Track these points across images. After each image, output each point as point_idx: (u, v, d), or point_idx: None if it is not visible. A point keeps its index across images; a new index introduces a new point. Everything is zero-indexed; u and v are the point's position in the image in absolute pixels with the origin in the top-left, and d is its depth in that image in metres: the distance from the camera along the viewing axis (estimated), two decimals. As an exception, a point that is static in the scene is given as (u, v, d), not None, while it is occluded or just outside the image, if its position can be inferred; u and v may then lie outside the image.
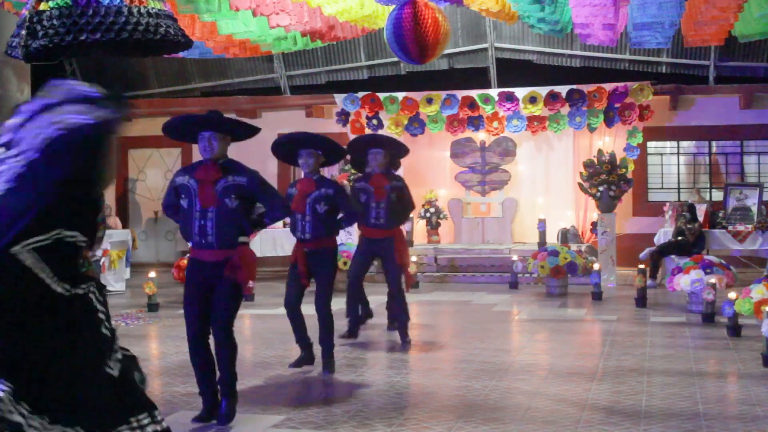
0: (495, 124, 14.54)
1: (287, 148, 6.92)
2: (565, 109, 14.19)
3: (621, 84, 14.02)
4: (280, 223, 13.67)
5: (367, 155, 8.10)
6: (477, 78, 15.24)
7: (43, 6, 5.44)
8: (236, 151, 17.50)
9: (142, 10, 5.54)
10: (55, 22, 5.39)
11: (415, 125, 14.76)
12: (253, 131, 5.60)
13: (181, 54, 8.85)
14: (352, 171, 14.43)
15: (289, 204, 6.73)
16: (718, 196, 14.26)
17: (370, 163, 8.08)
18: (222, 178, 5.24)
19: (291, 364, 6.98)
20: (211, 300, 5.27)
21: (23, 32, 5.49)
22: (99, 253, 10.85)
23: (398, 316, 8.17)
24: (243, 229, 5.30)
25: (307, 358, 6.94)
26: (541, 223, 13.56)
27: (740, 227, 12.81)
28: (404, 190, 8.17)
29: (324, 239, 6.77)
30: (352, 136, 15.04)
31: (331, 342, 6.82)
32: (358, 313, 8.47)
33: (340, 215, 6.90)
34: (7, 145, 2.59)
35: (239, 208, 5.25)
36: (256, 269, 5.44)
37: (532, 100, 14.20)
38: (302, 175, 6.99)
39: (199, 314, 5.30)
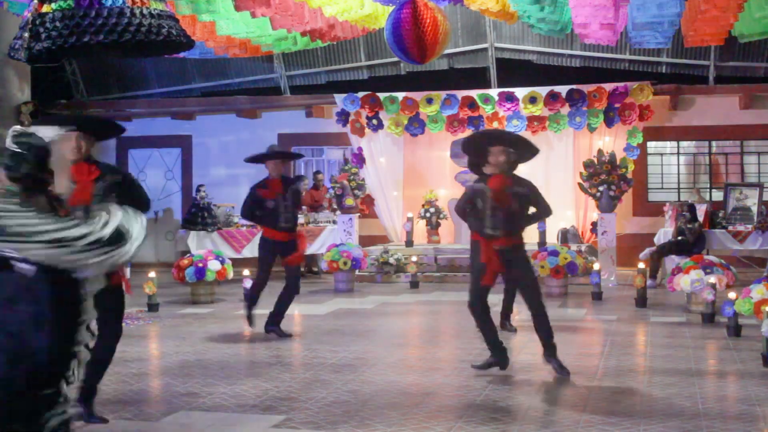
0: (495, 124, 14.53)
1: (478, 144, 6.76)
2: (565, 109, 14.19)
3: (621, 84, 14.02)
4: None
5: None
6: (477, 78, 15.24)
7: (45, 8, 5.44)
8: (237, 152, 17.41)
9: (144, 12, 5.54)
10: (58, 24, 5.39)
11: (415, 125, 14.76)
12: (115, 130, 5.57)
13: (181, 54, 8.86)
14: (353, 171, 14.46)
15: None
16: (718, 196, 14.26)
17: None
18: (100, 176, 5.23)
19: (476, 365, 6.77)
20: None
21: (26, 34, 5.49)
22: None
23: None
24: None
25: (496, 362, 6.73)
26: (541, 223, 13.54)
27: (740, 227, 12.80)
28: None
29: (515, 237, 6.67)
30: (352, 137, 15.09)
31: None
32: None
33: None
34: None
35: None
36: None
37: (532, 100, 14.19)
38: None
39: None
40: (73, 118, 5.29)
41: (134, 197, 5.30)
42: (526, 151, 6.72)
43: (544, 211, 6.88)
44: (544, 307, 6.69)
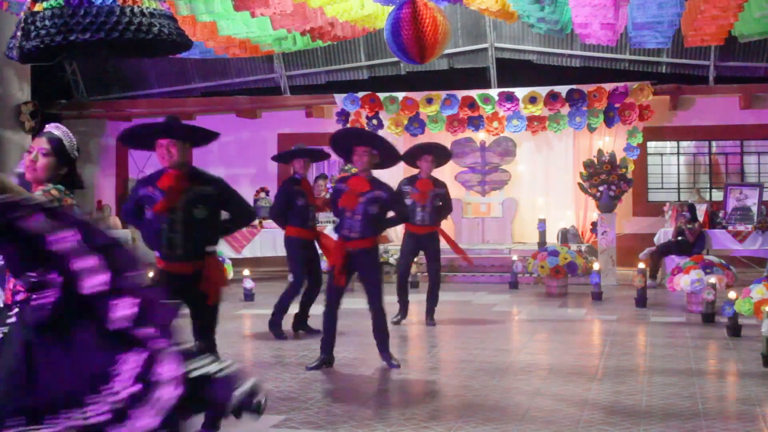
0: (495, 124, 14.53)
1: (344, 143, 6.95)
2: (565, 109, 14.18)
3: (621, 84, 14.02)
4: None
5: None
6: (477, 78, 15.23)
7: (37, 7, 5.44)
8: (236, 152, 17.46)
9: (136, 10, 5.51)
10: (47, 22, 5.39)
11: (415, 125, 14.76)
12: (212, 136, 5.34)
13: (181, 54, 8.86)
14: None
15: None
16: (718, 196, 14.26)
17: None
18: (190, 187, 5.05)
19: (310, 366, 6.90)
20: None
21: (19, 33, 5.50)
22: None
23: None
24: (211, 239, 5.19)
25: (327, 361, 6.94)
26: (541, 223, 13.56)
27: (740, 227, 12.80)
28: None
29: (369, 239, 6.80)
30: (352, 136, 15.08)
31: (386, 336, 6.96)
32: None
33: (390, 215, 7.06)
34: None
35: (209, 217, 5.12)
36: (226, 278, 5.31)
37: (532, 100, 14.19)
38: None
39: None
40: (165, 125, 5.17)
41: (234, 210, 5.27)
42: (389, 155, 6.96)
43: (401, 217, 7.11)
44: (383, 311, 6.95)
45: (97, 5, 5.38)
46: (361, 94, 14.82)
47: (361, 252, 6.72)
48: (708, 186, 14.96)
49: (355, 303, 10.96)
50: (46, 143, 3.61)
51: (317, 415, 5.50)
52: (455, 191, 15.06)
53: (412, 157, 9.25)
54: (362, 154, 6.67)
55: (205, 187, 5.11)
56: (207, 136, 5.32)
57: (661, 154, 15.22)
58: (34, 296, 2.61)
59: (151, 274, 4.61)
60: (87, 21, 5.34)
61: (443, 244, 9.38)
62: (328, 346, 6.91)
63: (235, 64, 16.08)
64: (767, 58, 14.38)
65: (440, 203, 9.12)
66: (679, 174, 15.16)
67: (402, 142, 14.85)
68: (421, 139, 14.87)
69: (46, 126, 3.75)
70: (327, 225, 14.07)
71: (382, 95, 14.74)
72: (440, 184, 9.19)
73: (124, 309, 2.55)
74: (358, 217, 6.70)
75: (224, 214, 5.34)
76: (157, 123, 5.28)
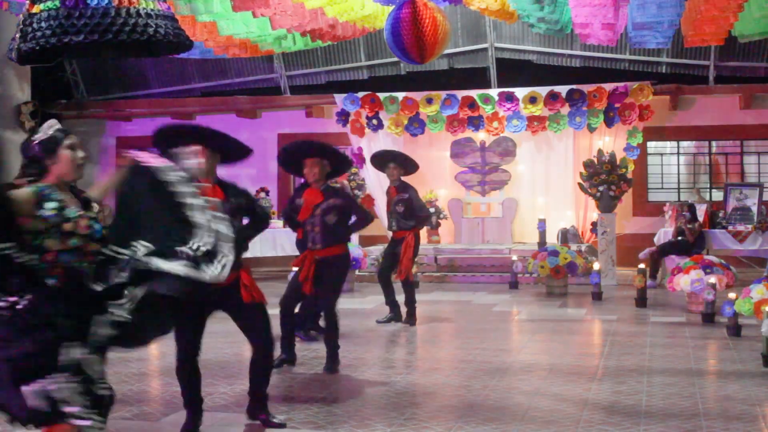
0: (495, 124, 14.53)
1: (293, 157, 6.93)
2: (565, 109, 14.18)
3: (621, 84, 14.02)
4: (280, 223, 13.66)
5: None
6: (477, 78, 15.23)
7: (35, 9, 5.45)
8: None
9: (132, 11, 5.49)
10: (43, 24, 5.40)
11: (415, 125, 14.76)
12: (245, 152, 5.29)
13: (181, 54, 8.85)
14: (353, 171, 14.45)
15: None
16: (718, 196, 14.26)
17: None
18: (226, 199, 5.03)
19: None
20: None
21: (17, 35, 5.51)
22: None
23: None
24: (245, 248, 5.27)
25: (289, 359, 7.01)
26: (541, 223, 13.56)
27: (740, 227, 12.80)
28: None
29: (334, 247, 6.81)
30: (352, 137, 15.10)
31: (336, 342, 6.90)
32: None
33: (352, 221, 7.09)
34: None
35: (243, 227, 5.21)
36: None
37: (532, 100, 14.19)
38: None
39: (196, 337, 5.26)
40: (199, 131, 5.09)
41: (255, 216, 5.30)
42: (339, 161, 6.92)
43: (361, 220, 7.07)
44: (335, 316, 6.88)
45: (92, 7, 5.36)
46: (361, 94, 14.82)
47: (326, 259, 6.76)
48: (708, 186, 14.96)
49: (354, 303, 10.97)
50: (78, 140, 3.50)
51: (317, 415, 5.50)
52: (455, 191, 15.09)
53: (379, 164, 9.35)
54: (312, 165, 6.67)
55: (239, 198, 5.12)
56: (240, 151, 5.19)
57: (661, 154, 15.22)
58: None
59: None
60: (81, 23, 5.32)
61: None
62: (288, 345, 6.95)
63: (235, 64, 16.08)
64: (767, 58, 14.38)
65: (402, 208, 9.01)
66: (679, 174, 15.16)
67: (402, 142, 14.88)
68: (422, 139, 14.91)
69: (51, 123, 3.60)
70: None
71: (382, 95, 14.74)
72: (403, 189, 9.09)
73: None
74: (318, 228, 6.75)
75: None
76: (194, 125, 5.19)
